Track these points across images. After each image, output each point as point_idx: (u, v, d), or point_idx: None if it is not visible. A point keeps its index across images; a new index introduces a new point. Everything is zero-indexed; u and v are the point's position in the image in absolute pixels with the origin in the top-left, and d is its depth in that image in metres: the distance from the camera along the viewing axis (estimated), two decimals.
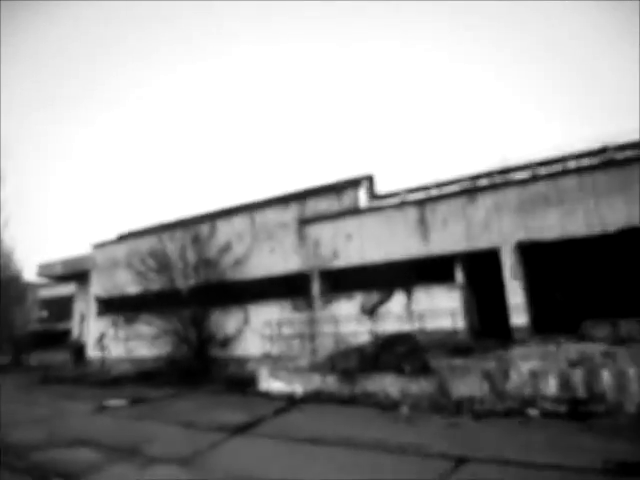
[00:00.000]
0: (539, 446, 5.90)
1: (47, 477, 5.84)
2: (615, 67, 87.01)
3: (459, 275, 12.86)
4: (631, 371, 7.20)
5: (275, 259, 16.23)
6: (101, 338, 20.83)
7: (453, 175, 14.95)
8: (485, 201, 12.72)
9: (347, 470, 5.52)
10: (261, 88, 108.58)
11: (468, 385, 8.48)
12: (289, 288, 15.72)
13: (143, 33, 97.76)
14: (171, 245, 17.54)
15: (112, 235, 23.18)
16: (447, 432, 6.89)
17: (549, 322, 11.37)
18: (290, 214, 16.28)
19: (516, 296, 11.86)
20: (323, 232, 15.33)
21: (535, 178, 12.26)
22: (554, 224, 11.65)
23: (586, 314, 10.87)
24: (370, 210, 14.71)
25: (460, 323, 12.34)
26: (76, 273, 25.05)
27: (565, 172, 11.93)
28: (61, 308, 31.94)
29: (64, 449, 7.24)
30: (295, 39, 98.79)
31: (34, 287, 36.24)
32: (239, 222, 17.46)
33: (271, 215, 16.75)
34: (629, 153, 11.63)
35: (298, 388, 10.48)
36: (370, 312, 13.83)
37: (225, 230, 17.64)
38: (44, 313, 34.72)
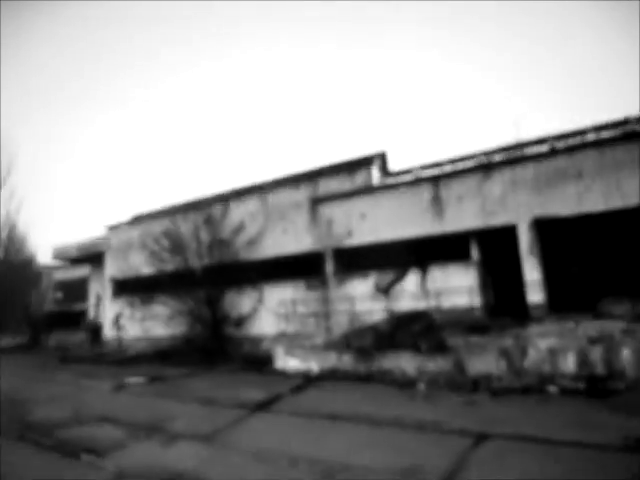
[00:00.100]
0: (558, 423, 5.88)
1: (75, 453, 5.95)
2: (615, 67, 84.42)
3: (475, 252, 12.73)
4: None
5: (288, 239, 16.21)
6: (117, 318, 21.17)
7: (467, 151, 14.72)
8: (501, 177, 12.48)
9: (368, 445, 5.56)
10: (274, 72, 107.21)
11: (485, 363, 8.48)
12: (303, 267, 15.73)
13: (144, 33, 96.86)
14: (185, 226, 17.56)
15: (126, 217, 23.39)
16: (465, 409, 6.90)
17: (566, 300, 11.25)
18: (302, 194, 16.18)
19: (533, 273, 11.73)
20: (336, 211, 15.23)
21: (553, 152, 11.95)
22: (572, 199, 11.42)
23: (604, 292, 10.74)
24: (383, 188, 14.53)
25: (476, 301, 12.28)
26: (91, 255, 25.31)
27: (584, 145, 11.62)
28: (76, 290, 32.41)
29: (88, 426, 7.39)
30: (303, 27, 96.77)
31: (49, 269, 36.79)
32: (252, 202, 17.41)
33: (283, 195, 16.67)
34: None
35: (314, 366, 10.57)
36: (385, 291, 13.81)
37: (238, 211, 17.62)
38: (59, 295, 35.30)
